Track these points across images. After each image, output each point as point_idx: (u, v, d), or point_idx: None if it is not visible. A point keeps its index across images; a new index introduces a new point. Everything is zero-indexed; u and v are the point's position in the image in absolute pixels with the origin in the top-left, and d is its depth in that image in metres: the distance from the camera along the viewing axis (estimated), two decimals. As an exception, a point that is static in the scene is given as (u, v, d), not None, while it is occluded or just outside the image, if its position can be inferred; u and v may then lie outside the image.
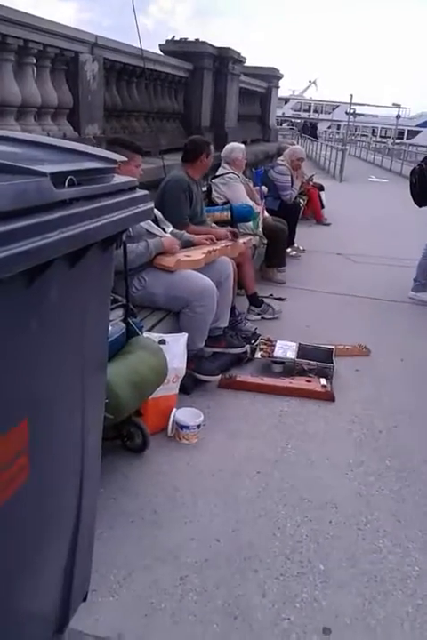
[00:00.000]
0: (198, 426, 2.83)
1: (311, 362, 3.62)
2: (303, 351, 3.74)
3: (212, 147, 4.20)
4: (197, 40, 6.98)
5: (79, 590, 1.51)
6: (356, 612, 1.92)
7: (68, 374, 1.26)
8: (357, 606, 1.95)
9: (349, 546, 2.23)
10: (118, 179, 1.36)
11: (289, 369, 3.63)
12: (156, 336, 2.76)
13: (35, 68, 4.13)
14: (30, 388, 1.09)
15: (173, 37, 7.08)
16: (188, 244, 3.61)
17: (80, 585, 1.50)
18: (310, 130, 28.56)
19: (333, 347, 3.85)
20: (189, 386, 3.20)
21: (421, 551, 2.23)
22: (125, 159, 1.51)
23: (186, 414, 2.84)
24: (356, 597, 1.98)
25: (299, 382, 3.47)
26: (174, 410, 2.85)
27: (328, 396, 3.37)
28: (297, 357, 3.66)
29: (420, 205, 5.49)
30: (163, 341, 2.75)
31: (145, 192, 1.44)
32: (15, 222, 0.88)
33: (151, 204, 1.46)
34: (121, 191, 1.33)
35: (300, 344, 3.82)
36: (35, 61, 4.07)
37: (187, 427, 2.79)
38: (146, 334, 2.67)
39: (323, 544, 2.22)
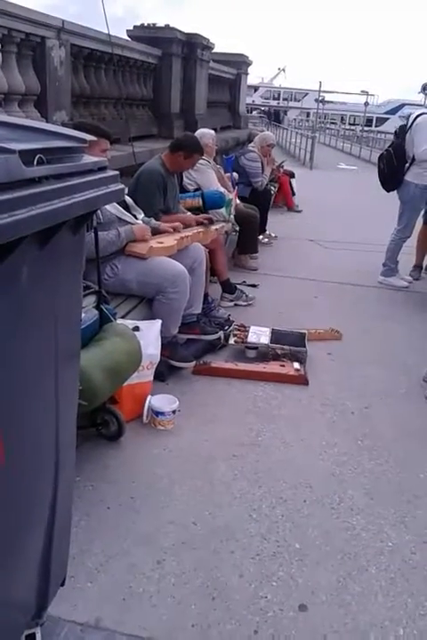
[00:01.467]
0: (174, 412, 2.83)
1: (284, 346, 3.64)
2: (276, 336, 3.76)
3: (197, 155, 4.07)
4: (166, 26, 6.92)
5: (57, 576, 1.50)
6: (331, 589, 1.95)
7: (41, 360, 1.24)
8: (332, 583, 1.98)
9: (323, 524, 2.26)
10: (88, 158, 1.34)
11: (263, 354, 3.65)
12: (129, 323, 2.74)
13: (0, 54, 4.04)
14: (1, 374, 1.07)
15: (142, 24, 7.00)
16: (155, 232, 3.58)
17: (58, 571, 1.49)
18: (273, 116, 32.19)
19: (305, 331, 3.88)
20: (164, 373, 3.20)
21: (393, 527, 2.28)
22: (94, 138, 1.48)
23: (161, 400, 2.84)
24: (331, 574, 2.02)
25: (273, 367, 3.49)
26: (149, 396, 2.84)
27: (302, 380, 3.40)
28: (270, 342, 3.68)
29: (388, 190, 5.55)
30: (137, 328, 2.73)
31: (115, 172, 1.42)
32: (-17, 199, 0.86)
33: (122, 185, 1.45)
34: (91, 171, 1.31)
35: (273, 329, 3.84)
36: (0, 46, 3.99)
37: (162, 413, 2.79)
38: (120, 321, 2.65)
39: (298, 523, 2.25)
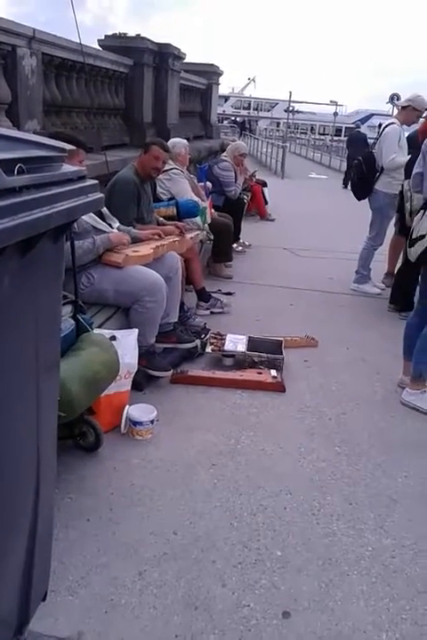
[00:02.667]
0: (152, 421, 2.81)
1: (261, 354, 3.66)
2: (253, 344, 3.78)
3: (155, 147, 3.98)
4: (137, 36, 6.93)
5: (38, 590, 1.47)
6: (314, 595, 1.96)
7: (21, 371, 1.22)
8: (314, 589, 1.99)
9: (304, 531, 2.27)
10: (67, 168, 1.33)
11: (240, 362, 3.66)
12: (106, 332, 2.72)
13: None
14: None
15: (114, 34, 6.99)
16: (135, 240, 3.58)
17: (39, 585, 1.47)
18: (247, 126, 33.91)
19: (281, 339, 3.91)
20: (142, 382, 3.18)
21: (373, 532, 2.30)
22: (74, 148, 1.48)
23: (139, 410, 2.82)
24: (313, 580, 2.02)
25: (250, 374, 3.50)
26: (127, 406, 2.82)
27: (279, 387, 3.42)
28: (247, 350, 3.69)
29: (359, 199, 5.64)
30: (114, 337, 2.71)
31: (94, 182, 1.42)
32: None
33: (101, 195, 1.44)
34: (70, 180, 1.30)
35: (249, 337, 3.85)
36: (-31, 55, 3.94)
37: (140, 423, 2.77)
38: (96, 331, 2.63)
39: (279, 531, 2.26)
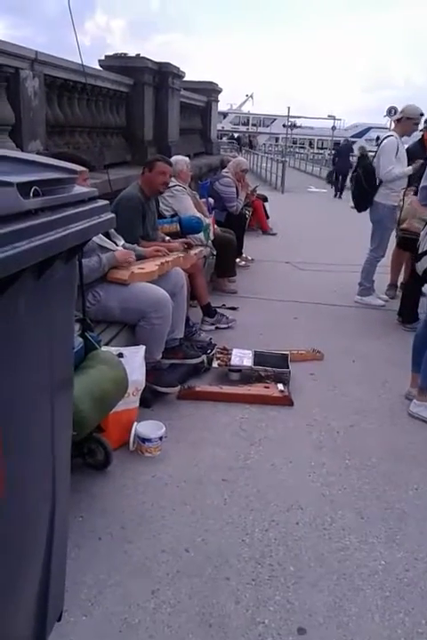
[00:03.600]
0: (160, 438, 2.81)
1: (268, 368, 3.66)
2: (259, 358, 3.78)
3: (160, 163, 4.03)
4: (137, 55, 7.00)
5: (54, 610, 1.47)
6: (328, 610, 1.95)
7: (37, 388, 1.23)
8: (329, 604, 1.97)
9: (316, 546, 2.26)
10: (79, 189, 1.35)
11: (246, 376, 3.66)
12: (114, 350, 2.73)
13: (-26, 85, 4.03)
14: (0, 400, 1.06)
15: (115, 54, 7.08)
16: (139, 258, 3.59)
17: (55, 604, 1.46)
18: (248, 142, 34.07)
19: (287, 352, 3.91)
20: (149, 399, 3.18)
21: (385, 545, 2.29)
22: (85, 169, 1.49)
23: (147, 427, 2.82)
24: (327, 596, 2.01)
25: (257, 389, 3.50)
26: (135, 423, 2.82)
27: (286, 401, 3.41)
28: (254, 364, 3.69)
29: (359, 211, 5.68)
30: (121, 355, 2.71)
31: (105, 202, 1.43)
32: (-15, 232, 0.86)
33: (112, 215, 1.46)
34: (83, 201, 1.32)
35: (255, 351, 3.85)
36: (-27, 78, 3.98)
37: (149, 440, 2.77)
38: (104, 348, 2.63)
39: (291, 546, 2.24)
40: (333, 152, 21.46)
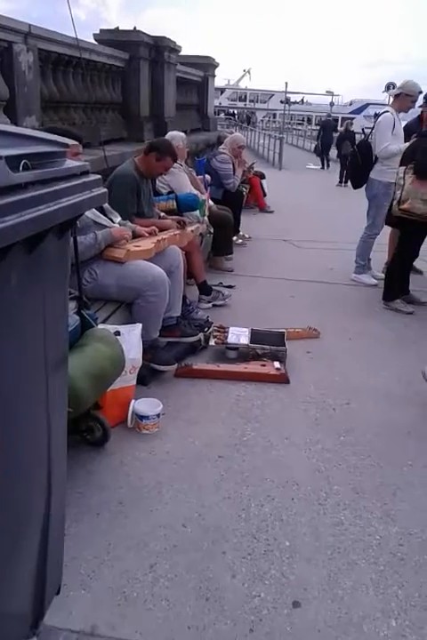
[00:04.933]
0: (158, 415, 2.81)
1: (265, 346, 3.66)
2: (256, 336, 3.78)
3: (169, 159, 3.99)
4: (132, 29, 6.90)
5: (52, 584, 1.48)
6: (323, 584, 1.97)
7: (31, 368, 1.23)
8: (323, 578, 1.99)
9: (312, 521, 2.28)
10: (70, 163, 1.33)
11: (243, 354, 3.66)
12: (110, 328, 2.72)
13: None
14: (-6, 380, 1.06)
15: (110, 28, 6.97)
16: (135, 235, 3.57)
17: (53, 579, 1.48)
18: (245, 119, 33.52)
19: (284, 330, 3.90)
20: (146, 376, 3.18)
21: (380, 520, 2.30)
22: (76, 143, 1.47)
23: (145, 404, 2.82)
24: (322, 570, 2.03)
25: (254, 367, 3.50)
26: (133, 401, 2.82)
27: (283, 379, 3.42)
28: (250, 343, 3.69)
29: (355, 187, 5.64)
30: (118, 333, 2.71)
31: (98, 177, 1.41)
32: (-26, 205, 0.85)
33: (104, 190, 1.44)
34: (74, 175, 1.30)
35: (252, 329, 3.85)
36: (-34, 52, 3.92)
37: (146, 417, 2.77)
38: (101, 326, 2.63)
39: (287, 521, 2.26)
40: (318, 127, 23.83)
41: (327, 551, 2.12)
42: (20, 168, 1.05)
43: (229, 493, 2.40)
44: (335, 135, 18.47)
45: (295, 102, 60.72)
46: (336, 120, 26.28)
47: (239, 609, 1.84)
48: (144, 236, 3.61)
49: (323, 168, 19.10)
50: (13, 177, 1.00)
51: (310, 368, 3.67)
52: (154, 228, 3.76)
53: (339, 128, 20.94)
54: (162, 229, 3.86)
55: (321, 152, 19.36)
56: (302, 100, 61.02)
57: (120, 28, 7.09)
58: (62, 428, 1.45)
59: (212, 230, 5.46)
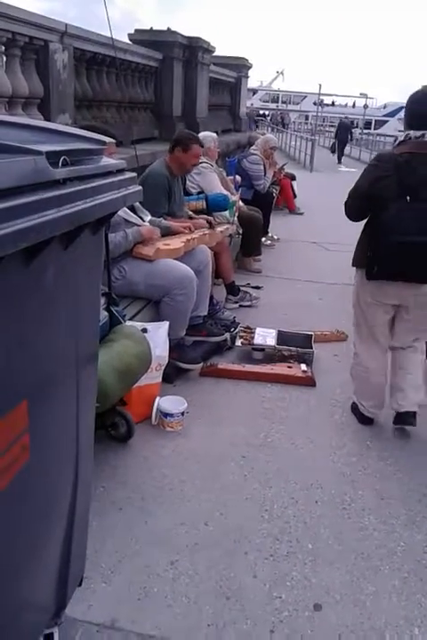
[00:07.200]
0: (182, 413, 2.83)
1: (291, 348, 3.65)
2: (283, 338, 3.77)
3: (195, 146, 3.96)
4: (167, 29, 6.94)
5: (75, 575, 1.50)
6: (345, 588, 1.96)
7: (63, 359, 1.25)
8: (346, 582, 1.99)
9: (335, 524, 2.27)
10: (107, 160, 1.35)
11: (269, 356, 3.65)
12: (138, 325, 2.75)
13: (4, 57, 4.05)
14: (28, 370, 1.08)
15: (145, 28, 7.03)
16: (166, 231, 3.60)
17: (76, 571, 1.50)
18: (280, 121, 33.60)
19: (311, 333, 3.89)
20: (172, 374, 3.20)
21: (405, 527, 2.28)
22: (113, 141, 1.49)
23: (170, 402, 2.84)
24: (345, 574, 2.02)
25: (280, 368, 3.50)
26: (158, 398, 2.85)
27: (309, 381, 3.41)
28: (277, 344, 3.68)
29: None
30: (145, 330, 2.73)
31: (133, 174, 1.43)
32: (15, 199, 0.87)
33: (139, 187, 1.45)
34: (111, 173, 1.32)
35: (279, 331, 3.85)
36: (4, 50, 4.00)
37: (171, 414, 2.79)
38: (128, 323, 2.66)
39: (310, 524, 2.26)
40: (335, 126, 27.41)
41: (351, 556, 2.11)
42: (60, 164, 1.07)
43: (253, 494, 2.41)
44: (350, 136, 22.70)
45: (327, 105, 60.26)
46: (353, 122, 30.79)
47: (260, 609, 1.84)
48: (181, 231, 3.64)
49: (339, 163, 21.69)
50: (53, 172, 1.02)
51: (336, 371, 3.65)
52: (190, 223, 3.79)
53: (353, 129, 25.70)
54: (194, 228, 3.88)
55: (337, 148, 22.35)
56: (333, 102, 60.78)
57: (154, 29, 7.14)
58: (90, 422, 1.47)
59: (241, 231, 5.46)
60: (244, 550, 2.09)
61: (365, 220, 2.87)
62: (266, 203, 6.64)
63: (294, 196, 9.49)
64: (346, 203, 2.94)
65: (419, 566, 2.07)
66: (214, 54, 8.61)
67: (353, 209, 2.90)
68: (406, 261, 2.57)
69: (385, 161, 2.64)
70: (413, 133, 2.55)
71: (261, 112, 41.02)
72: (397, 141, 2.72)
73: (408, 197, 2.49)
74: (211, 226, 4.19)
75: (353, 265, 2.94)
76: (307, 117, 54.58)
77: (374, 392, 2.98)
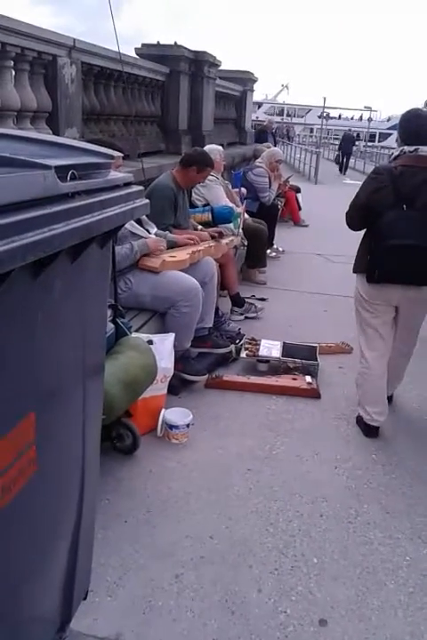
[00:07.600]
0: (188, 425, 2.83)
1: (296, 360, 3.65)
2: (288, 350, 3.77)
3: (209, 168, 4.14)
4: (173, 44, 7.00)
5: (80, 589, 1.50)
6: (351, 603, 1.95)
7: (70, 371, 1.26)
8: (351, 597, 1.97)
9: (340, 539, 2.25)
10: (115, 174, 1.36)
11: (274, 367, 3.65)
12: (143, 337, 2.75)
13: (13, 72, 4.10)
14: (36, 383, 1.09)
15: (152, 43, 7.09)
16: (171, 245, 3.62)
17: (81, 582, 1.50)
18: (285, 134, 33.67)
19: (316, 345, 3.89)
20: (177, 386, 3.21)
21: (410, 541, 2.27)
22: (120, 155, 1.51)
23: (175, 414, 2.84)
24: (350, 589, 2.01)
25: (285, 380, 3.49)
26: (163, 410, 2.85)
27: (314, 393, 3.40)
28: (282, 356, 3.68)
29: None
30: (150, 342, 2.74)
31: (140, 188, 1.44)
32: (25, 213, 0.88)
33: (146, 201, 1.47)
34: (118, 186, 1.33)
35: (284, 343, 3.85)
36: (12, 64, 4.05)
37: (176, 426, 2.79)
38: (134, 335, 2.67)
39: (315, 538, 2.25)
40: (339, 139, 28.22)
41: (356, 570, 2.09)
42: (68, 178, 1.09)
43: (258, 507, 2.40)
44: (354, 148, 23.78)
45: (333, 117, 60.55)
46: (357, 134, 32.05)
47: (265, 624, 1.83)
48: (187, 243, 3.66)
49: (341, 172, 22.73)
50: (61, 186, 1.03)
51: (341, 383, 3.64)
52: (195, 236, 3.81)
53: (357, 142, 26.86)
54: (199, 240, 3.90)
55: (341, 160, 23.42)
56: (340, 116, 61.23)
57: (161, 43, 7.20)
58: (96, 433, 1.48)
59: (246, 243, 5.48)
60: (248, 564, 2.08)
61: (365, 229, 3.05)
62: (271, 215, 6.66)
63: (299, 209, 9.52)
64: (347, 213, 3.12)
65: (425, 581, 2.06)
66: (220, 68, 8.67)
67: (353, 219, 3.09)
68: (403, 264, 2.73)
69: (382, 173, 2.83)
70: (407, 148, 2.77)
71: (283, 127, 41.24)
72: (393, 155, 2.91)
73: (404, 206, 2.68)
74: (221, 236, 4.21)
75: (354, 271, 3.04)
76: (312, 130, 54.83)
77: (378, 395, 3.04)
